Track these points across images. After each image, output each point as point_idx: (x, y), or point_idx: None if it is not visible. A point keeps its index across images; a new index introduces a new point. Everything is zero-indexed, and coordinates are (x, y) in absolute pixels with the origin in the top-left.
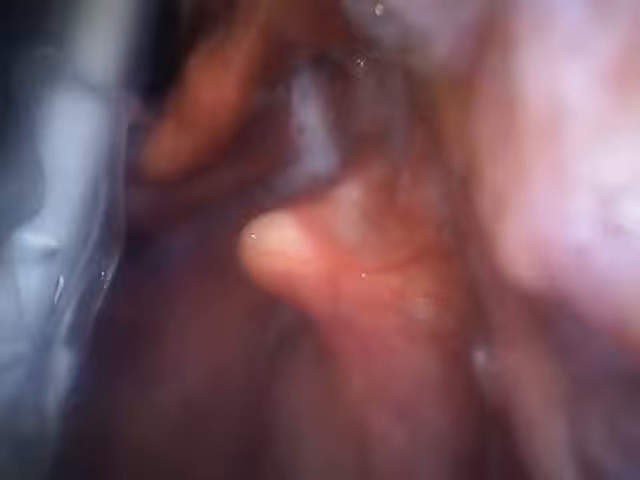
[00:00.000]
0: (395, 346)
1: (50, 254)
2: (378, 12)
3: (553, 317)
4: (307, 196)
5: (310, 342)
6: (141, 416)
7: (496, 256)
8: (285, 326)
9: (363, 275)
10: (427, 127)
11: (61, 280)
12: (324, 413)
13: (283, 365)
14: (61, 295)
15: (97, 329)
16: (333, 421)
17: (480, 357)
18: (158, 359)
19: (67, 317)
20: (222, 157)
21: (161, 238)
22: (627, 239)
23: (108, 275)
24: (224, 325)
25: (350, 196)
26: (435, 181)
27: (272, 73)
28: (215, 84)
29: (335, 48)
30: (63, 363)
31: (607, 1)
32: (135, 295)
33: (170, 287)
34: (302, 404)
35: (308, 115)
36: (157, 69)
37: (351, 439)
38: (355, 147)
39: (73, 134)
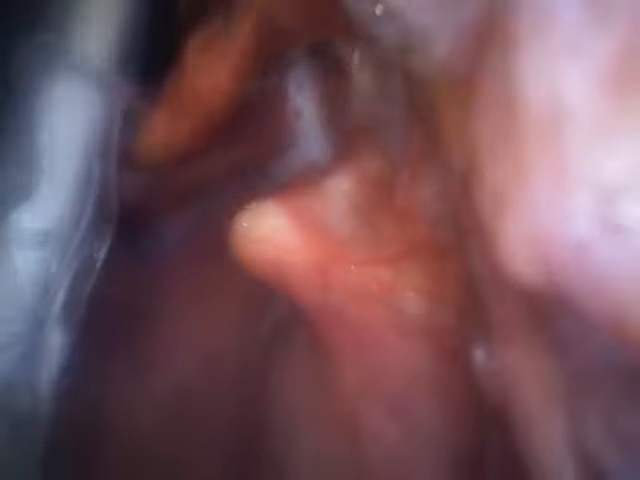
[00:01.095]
0: (385, 340)
1: (44, 236)
2: (378, 12)
3: (552, 313)
4: (299, 185)
5: (305, 332)
6: (133, 401)
7: (496, 253)
8: (280, 315)
9: (352, 267)
10: (426, 125)
11: (54, 261)
12: (318, 405)
13: (278, 355)
14: (54, 276)
15: (91, 313)
16: (327, 413)
17: (479, 354)
18: (152, 344)
19: (60, 298)
20: (216, 144)
21: (155, 223)
22: (626, 236)
23: (100, 257)
24: (218, 312)
25: (341, 188)
26: (431, 178)
27: (268, 62)
28: (211, 72)
29: (333, 40)
30: (56, 343)
31: (606, 3)
32: (129, 279)
33: (164, 272)
34: (297, 395)
35: (303, 105)
36: (154, 56)
37: (345, 432)
38: (349, 140)
39: (68, 119)
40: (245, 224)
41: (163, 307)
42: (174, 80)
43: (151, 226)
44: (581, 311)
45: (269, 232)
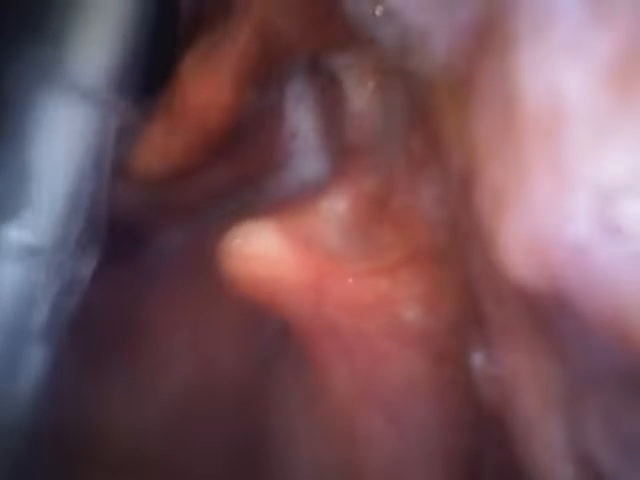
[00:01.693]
0: (383, 349)
1: (31, 251)
2: (378, 13)
3: (552, 316)
4: (295, 202)
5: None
6: (126, 416)
7: (495, 255)
8: (276, 327)
9: (350, 280)
10: (426, 129)
11: (40, 276)
12: (313, 413)
13: (274, 365)
14: (39, 290)
15: (85, 326)
16: (322, 421)
17: (477, 359)
18: (147, 356)
19: (44, 312)
20: (214, 158)
21: (151, 237)
22: (625, 238)
23: (87, 273)
24: (214, 324)
25: (338, 204)
26: (432, 182)
27: (266, 76)
28: (208, 85)
29: (330, 56)
30: (36, 357)
31: (606, 2)
32: (123, 294)
33: (159, 286)
34: (292, 404)
35: (301, 121)
36: (152, 70)
37: (340, 439)
38: (346, 155)
39: (61, 134)
40: (237, 241)
41: (158, 319)
42: (171, 94)
43: (147, 241)
44: (581, 313)
45: (260, 250)
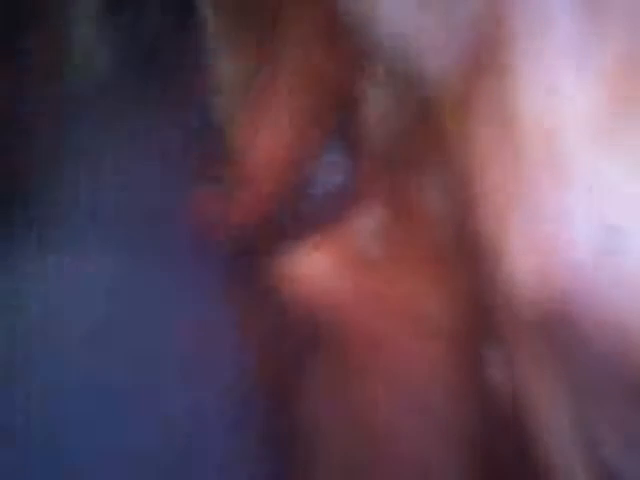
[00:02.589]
0: (407, 348)
1: None
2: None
3: (555, 325)
4: (331, 220)
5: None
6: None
7: (501, 272)
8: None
9: (383, 285)
10: (428, 136)
11: None
12: (341, 409)
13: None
14: None
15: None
16: (350, 418)
17: (493, 362)
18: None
19: None
20: None
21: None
22: (625, 258)
23: None
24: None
25: (368, 214)
26: (434, 190)
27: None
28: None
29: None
30: None
31: (602, 14)
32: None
33: None
34: (323, 399)
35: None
36: None
37: (365, 435)
38: (369, 165)
39: None
40: (290, 263)
41: None
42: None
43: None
44: (583, 325)
45: (314, 271)
